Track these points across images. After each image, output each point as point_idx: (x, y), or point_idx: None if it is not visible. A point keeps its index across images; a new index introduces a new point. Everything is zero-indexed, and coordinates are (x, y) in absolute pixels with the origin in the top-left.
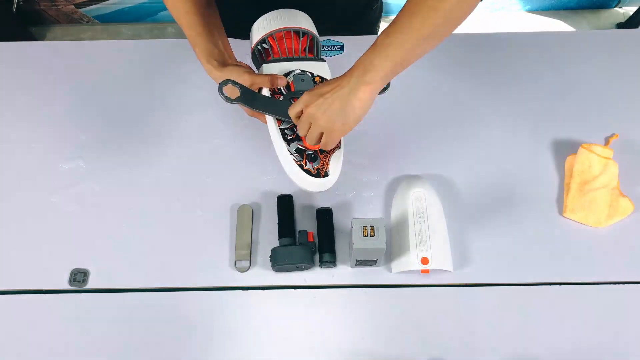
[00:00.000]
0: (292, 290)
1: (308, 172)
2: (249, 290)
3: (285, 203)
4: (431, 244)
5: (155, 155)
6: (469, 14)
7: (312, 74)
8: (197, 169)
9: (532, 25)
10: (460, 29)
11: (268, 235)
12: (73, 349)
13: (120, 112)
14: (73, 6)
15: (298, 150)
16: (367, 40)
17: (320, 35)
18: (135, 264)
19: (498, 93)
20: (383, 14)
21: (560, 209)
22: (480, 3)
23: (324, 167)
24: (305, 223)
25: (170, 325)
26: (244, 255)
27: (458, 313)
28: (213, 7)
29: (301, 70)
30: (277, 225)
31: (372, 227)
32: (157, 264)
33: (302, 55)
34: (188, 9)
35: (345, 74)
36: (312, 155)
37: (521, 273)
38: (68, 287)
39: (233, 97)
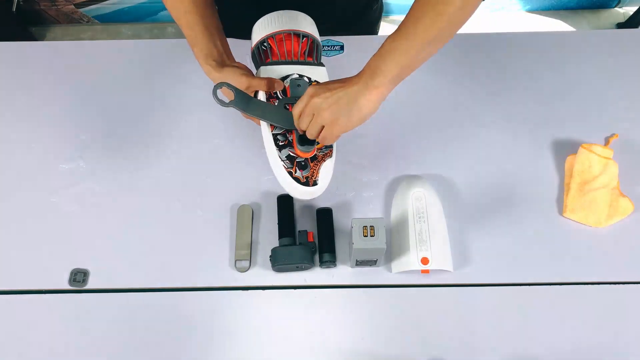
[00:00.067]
0: (292, 290)
1: (297, 179)
2: (249, 290)
3: (285, 203)
4: (431, 244)
5: (156, 155)
6: (471, 15)
7: (309, 79)
8: (197, 169)
9: (532, 25)
10: (461, 29)
11: (268, 235)
12: (73, 349)
13: (120, 112)
14: (73, 6)
15: (289, 157)
16: (367, 40)
17: (320, 35)
18: (135, 264)
19: (498, 93)
20: (383, 14)
21: (560, 209)
22: (481, 3)
23: (313, 176)
24: (305, 223)
25: (170, 325)
26: (244, 255)
27: (458, 313)
28: (212, 7)
29: (299, 75)
30: (277, 225)
31: (372, 227)
32: (157, 264)
33: (302, 59)
34: (187, 8)
35: (353, 77)
36: (303, 163)
37: (521, 273)
38: (68, 287)
39: (227, 101)
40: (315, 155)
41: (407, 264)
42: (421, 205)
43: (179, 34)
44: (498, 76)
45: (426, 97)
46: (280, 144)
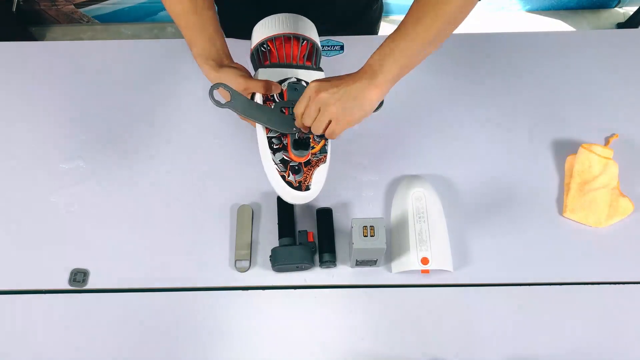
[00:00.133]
0: (292, 290)
1: (289, 183)
2: (249, 290)
3: (285, 203)
4: (431, 244)
5: (156, 155)
6: (468, 14)
7: (306, 83)
8: (197, 169)
9: (532, 25)
10: (461, 29)
11: (268, 235)
12: (73, 349)
13: (120, 112)
14: (73, 6)
15: (282, 161)
16: (367, 40)
17: (320, 35)
18: (135, 264)
19: (498, 93)
20: (383, 14)
21: (560, 209)
22: (480, 3)
23: (306, 181)
24: (305, 223)
25: (170, 325)
26: (244, 255)
27: (458, 313)
28: (211, 8)
29: (296, 79)
30: (277, 225)
31: (372, 227)
32: (157, 264)
33: (300, 63)
34: (186, 9)
35: (354, 74)
36: (296, 167)
37: (521, 273)
38: (68, 287)
39: (224, 101)
40: (309, 160)
41: (407, 264)
42: (421, 205)
43: (179, 34)
44: (498, 76)
45: (426, 97)
46: (274, 147)
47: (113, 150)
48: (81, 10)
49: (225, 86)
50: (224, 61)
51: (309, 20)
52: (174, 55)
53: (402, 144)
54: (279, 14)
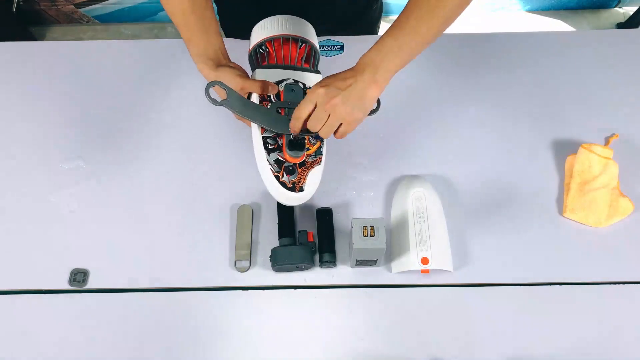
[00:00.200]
0: (292, 290)
1: (283, 184)
2: (249, 290)
3: None
4: (431, 244)
5: (156, 155)
6: (464, 10)
7: (304, 85)
8: (198, 168)
9: (532, 25)
10: (461, 29)
11: (268, 235)
12: (73, 349)
13: (120, 112)
14: (73, 6)
15: (277, 161)
16: (367, 40)
17: (320, 35)
18: (135, 264)
19: (498, 93)
20: (383, 14)
21: (560, 209)
22: (480, 3)
23: (300, 182)
24: (305, 223)
25: (170, 326)
26: (244, 255)
27: (458, 313)
28: (210, 8)
29: (294, 80)
30: (277, 225)
31: (372, 227)
32: (157, 264)
33: (298, 65)
34: (184, 8)
35: (354, 71)
36: (291, 169)
37: (521, 273)
38: (68, 287)
39: (220, 99)
40: (304, 161)
41: (407, 264)
42: (421, 205)
43: (179, 34)
44: (498, 76)
45: (426, 97)
46: (269, 147)
47: (113, 150)
48: (81, 10)
49: (222, 84)
50: (222, 61)
51: (308, 23)
52: (174, 55)
53: (402, 144)
54: (278, 16)
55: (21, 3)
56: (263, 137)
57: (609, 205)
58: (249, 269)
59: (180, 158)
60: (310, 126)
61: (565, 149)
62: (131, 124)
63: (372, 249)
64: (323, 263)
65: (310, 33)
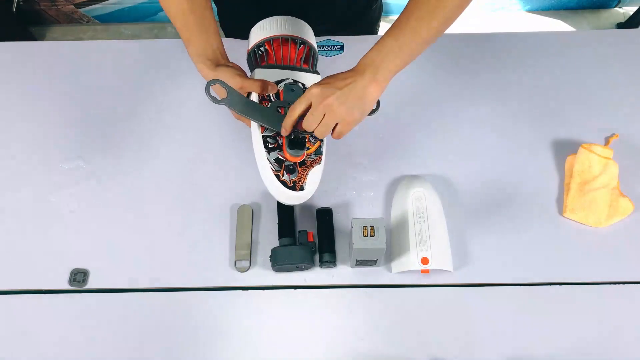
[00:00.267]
0: (292, 290)
1: (284, 183)
2: (249, 290)
3: None
4: (431, 244)
5: (156, 155)
6: (464, 10)
7: (303, 85)
8: (197, 168)
9: (532, 25)
10: (461, 29)
11: (268, 235)
12: (73, 349)
13: (120, 112)
14: (73, 6)
15: (277, 160)
16: (367, 40)
17: (320, 35)
18: (135, 264)
19: (498, 93)
20: (383, 14)
21: (560, 209)
22: (480, 3)
23: (300, 181)
24: (305, 223)
25: (171, 325)
26: (244, 255)
27: (458, 313)
28: (209, 8)
29: (293, 80)
30: (277, 225)
31: (372, 227)
32: (157, 264)
33: (297, 65)
34: (184, 9)
35: (354, 72)
36: (291, 167)
37: (521, 273)
38: (68, 287)
39: (219, 98)
40: (304, 160)
41: (407, 264)
42: (421, 205)
43: (179, 34)
44: (498, 76)
45: (426, 97)
46: (269, 146)
47: (113, 150)
48: (81, 10)
49: (222, 83)
50: (221, 61)
51: (307, 24)
52: (174, 55)
53: (402, 144)
54: (277, 17)
55: (21, 3)
56: (263, 136)
57: (609, 205)
58: (249, 269)
59: (180, 158)
60: (305, 125)
61: (565, 149)
62: (131, 124)
63: (372, 249)
64: (323, 263)
65: (308, 34)
